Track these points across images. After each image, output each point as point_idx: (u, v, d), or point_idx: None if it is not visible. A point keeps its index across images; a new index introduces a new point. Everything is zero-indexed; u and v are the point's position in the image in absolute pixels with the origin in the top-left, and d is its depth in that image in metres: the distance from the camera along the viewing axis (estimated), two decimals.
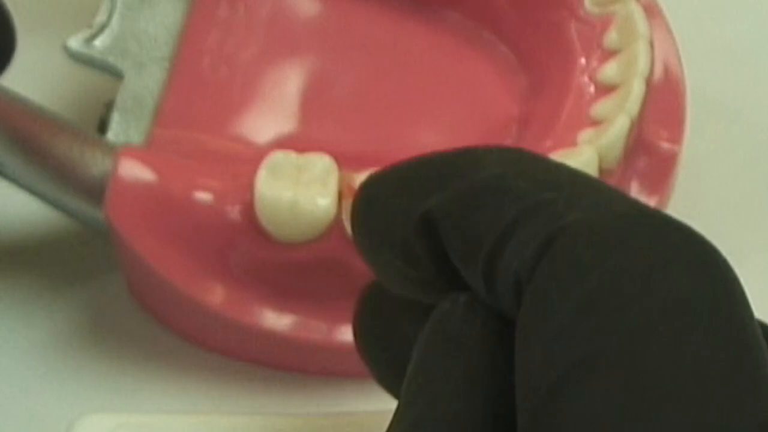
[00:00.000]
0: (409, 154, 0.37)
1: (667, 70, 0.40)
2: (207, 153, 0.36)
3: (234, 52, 0.39)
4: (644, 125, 0.38)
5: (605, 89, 0.36)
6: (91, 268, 0.38)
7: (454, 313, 0.21)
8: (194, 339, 0.36)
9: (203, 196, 0.34)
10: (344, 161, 0.34)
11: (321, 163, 0.34)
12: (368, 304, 0.25)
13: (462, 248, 0.20)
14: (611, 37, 0.37)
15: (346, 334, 0.35)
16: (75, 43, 0.38)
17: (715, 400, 0.17)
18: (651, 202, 0.38)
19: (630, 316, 0.17)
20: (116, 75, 0.38)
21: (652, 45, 0.37)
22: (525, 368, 0.18)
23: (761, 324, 0.18)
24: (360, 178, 0.33)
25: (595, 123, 0.36)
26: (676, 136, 0.39)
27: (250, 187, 0.33)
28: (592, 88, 0.37)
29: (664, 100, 0.39)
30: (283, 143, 0.37)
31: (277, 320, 0.35)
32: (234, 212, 0.34)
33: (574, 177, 0.20)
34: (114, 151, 0.34)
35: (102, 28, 0.39)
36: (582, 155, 0.34)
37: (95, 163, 0.34)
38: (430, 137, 0.39)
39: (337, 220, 0.33)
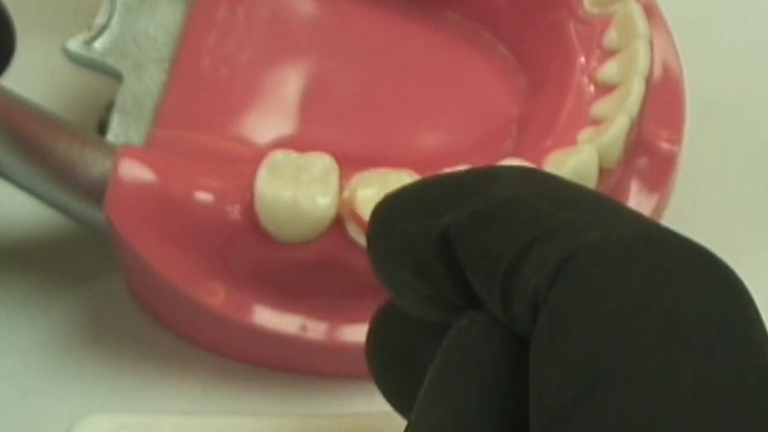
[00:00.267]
0: (408, 155, 0.38)
1: (666, 70, 0.40)
2: (207, 153, 0.36)
3: (234, 53, 0.39)
4: (644, 125, 0.38)
5: (605, 89, 0.37)
6: (91, 268, 0.38)
7: (471, 329, 0.21)
8: (194, 339, 0.36)
9: (203, 196, 0.34)
10: (344, 162, 0.34)
11: (321, 163, 0.34)
12: (381, 325, 0.25)
13: (479, 266, 0.20)
14: (611, 37, 0.37)
15: (346, 334, 0.35)
16: (74, 44, 0.38)
17: (730, 426, 0.17)
18: (651, 201, 0.39)
19: (646, 338, 0.17)
20: (116, 76, 0.38)
21: (651, 44, 0.37)
22: (539, 387, 0.18)
23: None
24: (359, 181, 0.33)
25: (595, 122, 0.36)
26: (676, 136, 0.39)
27: (250, 186, 0.33)
28: (591, 88, 0.37)
29: (663, 100, 0.39)
30: (283, 144, 0.37)
31: (277, 320, 0.35)
32: (234, 212, 0.34)
33: (593, 198, 0.20)
34: (114, 152, 0.34)
35: (101, 30, 0.39)
36: (582, 154, 0.34)
37: (95, 164, 0.34)
38: (430, 138, 0.39)
39: (338, 220, 0.33)
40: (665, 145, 0.39)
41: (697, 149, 0.41)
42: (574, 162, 0.34)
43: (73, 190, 0.34)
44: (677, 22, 0.42)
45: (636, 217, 0.20)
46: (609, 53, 0.37)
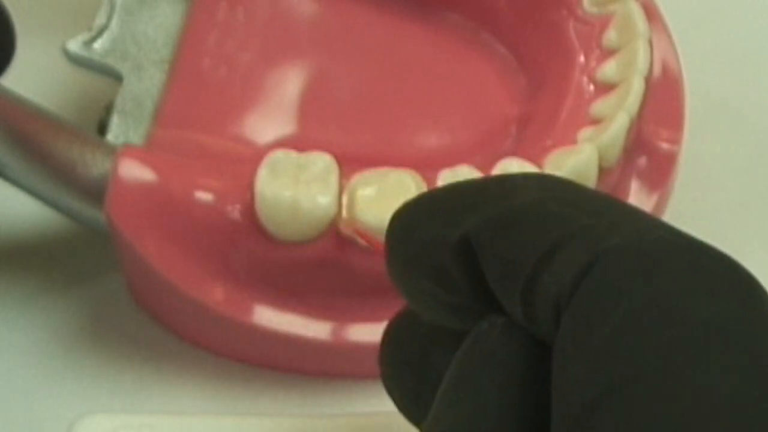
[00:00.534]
0: (408, 155, 0.38)
1: (665, 70, 0.40)
2: (207, 153, 0.36)
3: (234, 53, 0.39)
4: (643, 124, 0.38)
5: (604, 88, 0.37)
6: (91, 268, 0.37)
7: (491, 333, 0.21)
8: (194, 339, 0.36)
9: (203, 195, 0.34)
10: (344, 162, 0.34)
11: (321, 162, 0.34)
12: (395, 333, 0.25)
13: (500, 271, 0.20)
14: (610, 37, 0.37)
15: (346, 334, 0.35)
16: (74, 45, 0.38)
17: (750, 430, 0.17)
18: (651, 201, 0.39)
19: (668, 341, 0.17)
20: (115, 77, 0.38)
21: (651, 44, 0.37)
22: (561, 388, 0.18)
23: None
24: (359, 181, 0.33)
25: (595, 122, 0.36)
26: (676, 136, 0.39)
27: (250, 186, 0.33)
28: (591, 87, 0.37)
29: (663, 100, 0.39)
30: (283, 143, 0.37)
31: (277, 320, 0.35)
32: (234, 212, 0.33)
33: (613, 204, 0.20)
34: (114, 152, 0.34)
35: (101, 31, 0.39)
36: (582, 153, 0.34)
37: (95, 164, 0.34)
38: (430, 138, 0.39)
39: (338, 219, 0.33)
40: (665, 145, 0.39)
41: (697, 149, 0.41)
42: (574, 161, 0.34)
43: (73, 190, 0.34)
44: (677, 22, 0.42)
45: (657, 222, 0.20)
46: (608, 53, 0.37)
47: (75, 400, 0.35)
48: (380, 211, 0.33)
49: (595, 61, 0.37)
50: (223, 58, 0.39)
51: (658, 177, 0.39)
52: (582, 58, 0.38)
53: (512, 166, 0.34)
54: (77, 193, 0.34)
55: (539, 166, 0.34)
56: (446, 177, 0.34)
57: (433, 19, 0.41)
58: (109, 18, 0.39)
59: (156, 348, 0.36)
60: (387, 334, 0.25)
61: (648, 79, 0.36)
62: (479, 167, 0.34)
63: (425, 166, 0.34)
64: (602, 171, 0.35)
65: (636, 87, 0.36)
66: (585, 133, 0.35)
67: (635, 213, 0.20)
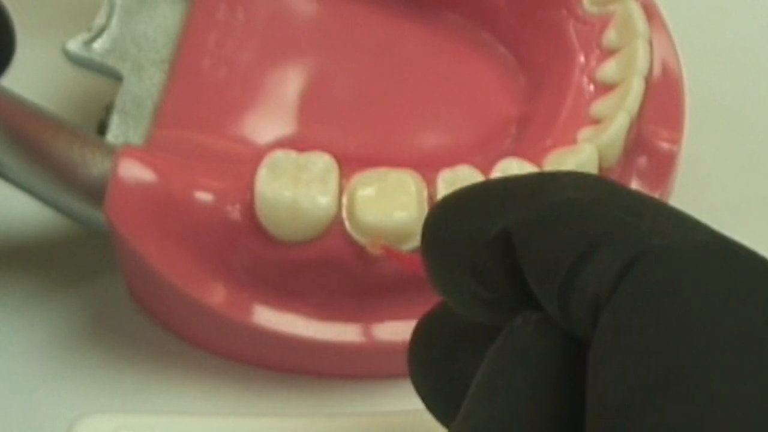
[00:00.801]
0: (408, 155, 0.38)
1: (665, 70, 0.40)
2: (207, 153, 0.36)
3: (233, 54, 0.39)
4: (643, 124, 0.38)
5: (604, 88, 0.37)
6: (91, 268, 0.38)
7: (525, 329, 0.21)
8: (194, 339, 0.36)
9: (203, 196, 0.34)
10: (344, 162, 0.34)
11: (321, 162, 0.34)
12: (424, 333, 0.25)
13: (539, 267, 0.20)
14: (610, 36, 0.37)
15: (346, 334, 0.35)
16: (74, 45, 0.38)
17: None
18: None
19: (707, 343, 0.17)
20: (115, 77, 0.38)
21: (651, 44, 0.37)
22: (598, 386, 0.18)
23: None
24: (359, 181, 0.33)
25: (595, 121, 0.36)
26: (676, 136, 0.39)
27: (250, 186, 0.33)
28: (591, 87, 0.37)
29: (663, 100, 0.39)
30: (283, 144, 0.37)
31: (277, 320, 0.35)
32: (234, 212, 0.33)
33: (654, 205, 0.20)
34: (114, 152, 0.34)
35: (101, 31, 0.39)
36: (582, 153, 0.34)
37: (95, 164, 0.34)
38: (430, 137, 0.39)
39: (338, 219, 0.33)
40: (665, 145, 0.39)
41: (697, 149, 0.41)
42: (574, 161, 0.34)
43: (73, 190, 0.34)
44: (677, 22, 0.42)
45: (698, 224, 0.20)
46: (608, 52, 0.37)
47: (75, 400, 0.35)
48: (380, 211, 0.33)
49: (595, 61, 0.37)
50: (223, 58, 0.39)
51: (658, 177, 0.39)
52: (582, 58, 0.38)
53: (512, 166, 0.34)
54: (77, 194, 0.34)
55: (539, 166, 0.34)
56: (446, 177, 0.34)
57: (433, 19, 0.41)
58: (109, 18, 0.39)
59: (156, 348, 0.36)
60: (416, 333, 0.25)
61: (648, 79, 0.36)
62: (479, 167, 0.34)
63: (425, 166, 0.34)
64: (602, 171, 0.35)
65: (636, 87, 0.36)
66: (585, 133, 0.35)
67: (676, 213, 0.20)
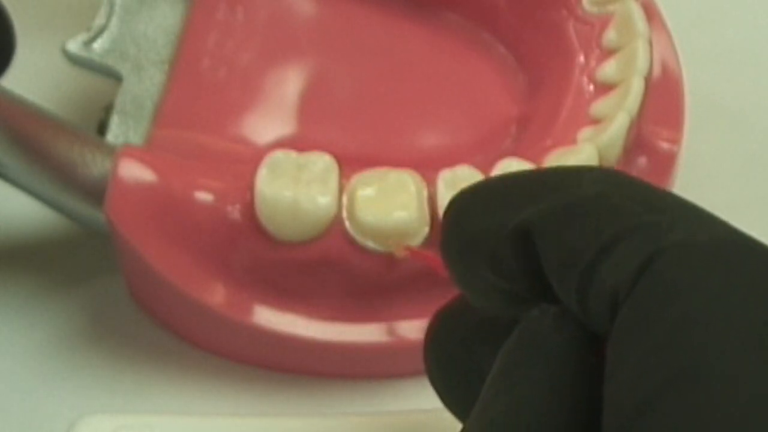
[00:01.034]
0: (408, 155, 0.38)
1: (665, 70, 0.40)
2: (207, 153, 0.36)
3: (233, 54, 0.39)
4: (643, 124, 0.38)
5: (604, 88, 0.37)
6: (91, 268, 0.37)
7: (542, 322, 0.21)
8: (194, 339, 0.36)
9: (203, 196, 0.34)
10: (344, 162, 0.34)
11: (321, 162, 0.34)
12: (439, 329, 0.25)
13: (558, 261, 0.20)
14: (610, 36, 0.37)
15: (346, 334, 0.35)
16: (74, 46, 0.38)
17: None
18: None
19: (726, 339, 0.17)
20: (115, 78, 0.38)
21: (650, 43, 0.37)
22: (616, 381, 0.18)
23: None
24: (359, 180, 0.33)
25: (595, 121, 0.36)
26: (675, 136, 0.39)
27: (250, 186, 0.33)
28: (591, 87, 0.37)
29: (662, 100, 0.39)
30: (283, 144, 0.37)
31: (277, 320, 0.35)
32: (234, 212, 0.33)
33: (675, 200, 0.20)
34: (114, 152, 0.34)
35: (101, 31, 0.39)
36: (582, 153, 0.34)
37: (95, 164, 0.34)
38: (430, 137, 0.39)
39: (338, 219, 0.33)
40: (665, 145, 0.39)
41: (697, 149, 0.41)
42: (574, 161, 0.34)
43: (73, 190, 0.34)
44: (677, 22, 0.42)
45: (718, 221, 0.20)
46: (608, 52, 0.37)
47: (75, 400, 0.35)
48: (380, 211, 0.33)
49: (595, 61, 0.37)
50: (223, 58, 0.39)
51: (658, 177, 0.39)
52: (582, 58, 0.38)
53: (512, 166, 0.34)
54: (77, 194, 0.34)
55: (539, 165, 0.34)
56: (446, 177, 0.34)
57: (433, 19, 0.41)
58: (109, 18, 0.39)
59: (156, 348, 0.36)
60: (432, 328, 0.25)
61: (648, 79, 0.36)
62: (479, 167, 0.34)
63: (425, 166, 0.34)
64: None
65: (636, 87, 0.36)
66: (585, 133, 0.35)
67: (696, 210, 0.20)
